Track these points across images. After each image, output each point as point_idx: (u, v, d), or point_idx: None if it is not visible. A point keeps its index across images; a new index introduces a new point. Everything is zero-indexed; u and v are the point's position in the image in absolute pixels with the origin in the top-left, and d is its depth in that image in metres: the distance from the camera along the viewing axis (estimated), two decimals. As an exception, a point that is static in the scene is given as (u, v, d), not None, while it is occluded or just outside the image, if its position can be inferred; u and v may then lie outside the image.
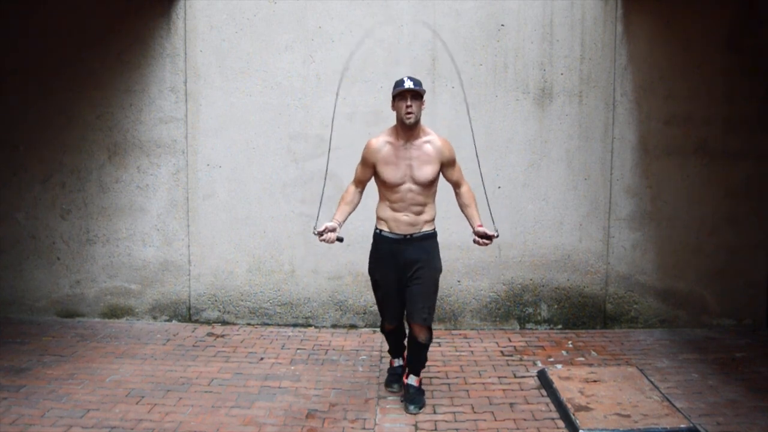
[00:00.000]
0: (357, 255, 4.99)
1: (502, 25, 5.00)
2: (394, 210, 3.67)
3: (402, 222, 3.67)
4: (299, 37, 5.02)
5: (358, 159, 3.75)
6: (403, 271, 3.70)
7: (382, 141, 3.66)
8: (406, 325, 3.88)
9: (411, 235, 3.68)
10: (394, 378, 4.03)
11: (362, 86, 5.02)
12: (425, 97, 3.63)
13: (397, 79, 3.66)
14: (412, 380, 3.85)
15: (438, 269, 3.78)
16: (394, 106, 3.61)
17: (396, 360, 4.09)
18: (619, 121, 5.07)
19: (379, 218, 3.75)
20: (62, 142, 5.17)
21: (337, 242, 3.61)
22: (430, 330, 3.76)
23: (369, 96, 5.01)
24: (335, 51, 5.00)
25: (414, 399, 3.77)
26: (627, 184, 5.11)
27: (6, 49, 5.13)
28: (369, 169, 3.69)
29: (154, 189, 5.17)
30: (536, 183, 5.10)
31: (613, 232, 5.14)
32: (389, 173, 3.62)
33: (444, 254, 5.08)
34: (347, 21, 5.00)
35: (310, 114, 5.04)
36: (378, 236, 3.75)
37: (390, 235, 3.69)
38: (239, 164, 5.11)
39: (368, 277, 3.88)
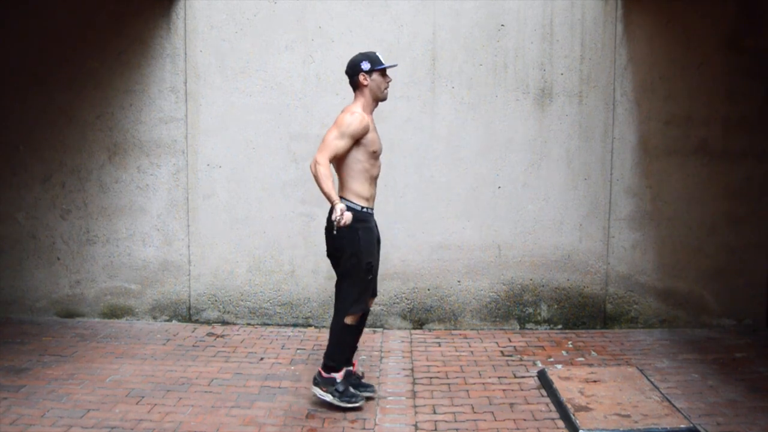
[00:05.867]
0: (357, 255, 4.99)
1: (502, 25, 5.00)
2: (373, 185, 3.68)
3: (375, 196, 3.70)
4: (299, 37, 5.02)
5: None
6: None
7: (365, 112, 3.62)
8: None
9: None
10: (360, 383, 3.88)
11: (362, 86, 5.02)
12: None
13: (369, 53, 3.63)
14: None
15: None
16: (366, 79, 3.57)
17: (349, 367, 3.84)
18: (619, 121, 5.07)
19: (360, 197, 3.59)
20: (62, 142, 5.17)
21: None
22: None
23: (369, 96, 5.01)
24: (335, 51, 4.99)
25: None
26: (627, 184, 5.11)
27: (6, 49, 5.13)
28: (353, 141, 3.52)
29: (154, 189, 5.17)
30: (536, 183, 5.10)
31: (613, 232, 5.14)
32: (378, 142, 3.65)
33: (444, 254, 5.14)
34: (347, 21, 5.00)
35: (310, 114, 5.04)
36: (368, 215, 3.65)
37: (372, 212, 3.71)
38: (239, 164, 5.11)
39: None
